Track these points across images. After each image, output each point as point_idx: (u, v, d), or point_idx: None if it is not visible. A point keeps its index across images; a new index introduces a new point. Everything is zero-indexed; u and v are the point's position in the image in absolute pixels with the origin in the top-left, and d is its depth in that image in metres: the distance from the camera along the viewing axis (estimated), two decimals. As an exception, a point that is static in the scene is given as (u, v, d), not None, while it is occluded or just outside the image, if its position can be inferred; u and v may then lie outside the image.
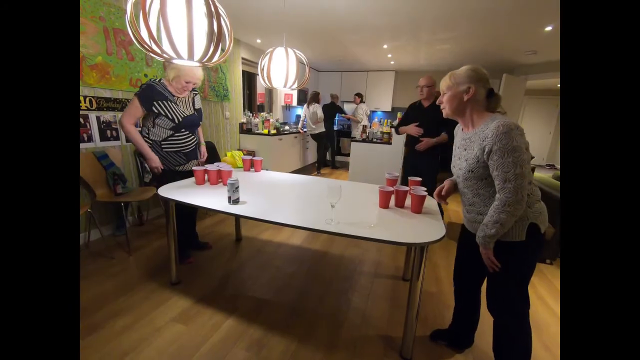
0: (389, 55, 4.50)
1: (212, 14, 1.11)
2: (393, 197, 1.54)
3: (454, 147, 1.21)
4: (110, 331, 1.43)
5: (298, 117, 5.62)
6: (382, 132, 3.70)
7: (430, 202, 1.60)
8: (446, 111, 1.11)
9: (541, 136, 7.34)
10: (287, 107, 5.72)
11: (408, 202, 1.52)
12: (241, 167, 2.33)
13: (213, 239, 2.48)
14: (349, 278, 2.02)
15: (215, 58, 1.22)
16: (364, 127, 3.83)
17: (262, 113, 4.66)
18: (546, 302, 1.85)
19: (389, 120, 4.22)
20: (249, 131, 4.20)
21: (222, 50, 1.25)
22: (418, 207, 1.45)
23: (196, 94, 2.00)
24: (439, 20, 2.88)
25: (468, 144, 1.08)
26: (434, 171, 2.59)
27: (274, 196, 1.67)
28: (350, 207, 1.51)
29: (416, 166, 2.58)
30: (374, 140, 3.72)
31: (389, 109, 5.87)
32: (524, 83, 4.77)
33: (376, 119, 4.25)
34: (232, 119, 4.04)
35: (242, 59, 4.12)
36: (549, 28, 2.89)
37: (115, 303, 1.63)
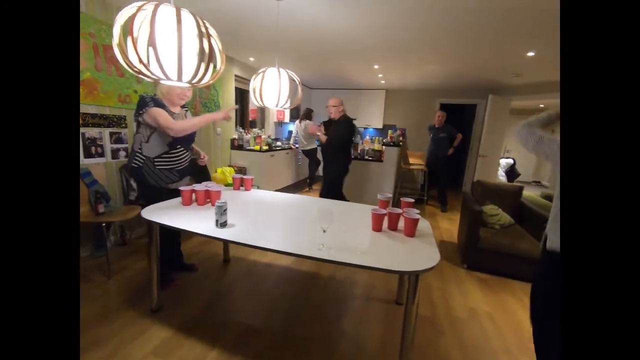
0: (380, 75, 4.61)
1: (203, 34, 1.11)
2: (386, 219, 1.52)
3: None
4: (82, 367, 1.31)
5: (290, 133, 5.63)
6: (374, 150, 3.73)
7: (424, 225, 1.57)
8: None
9: (526, 153, 7.55)
10: (280, 124, 5.74)
11: (401, 224, 1.50)
12: (232, 185, 2.28)
13: (200, 260, 2.38)
14: (339, 301, 1.95)
15: (206, 79, 1.20)
16: (356, 144, 3.86)
17: (254, 129, 4.65)
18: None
19: (379, 137, 4.27)
20: (240, 147, 4.17)
21: (215, 69, 1.24)
22: (411, 230, 1.42)
23: (187, 110, 1.97)
24: (425, 44, 2.98)
25: None
26: (335, 174, 3.09)
27: (263, 218, 1.62)
28: (342, 230, 1.47)
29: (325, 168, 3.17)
30: (366, 157, 3.74)
31: (380, 126, 5.97)
32: (509, 103, 4.95)
33: (367, 136, 4.30)
34: (223, 134, 4.00)
35: (235, 76, 4.15)
36: (531, 54, 3.03)
37: (91, 332, 1.51)
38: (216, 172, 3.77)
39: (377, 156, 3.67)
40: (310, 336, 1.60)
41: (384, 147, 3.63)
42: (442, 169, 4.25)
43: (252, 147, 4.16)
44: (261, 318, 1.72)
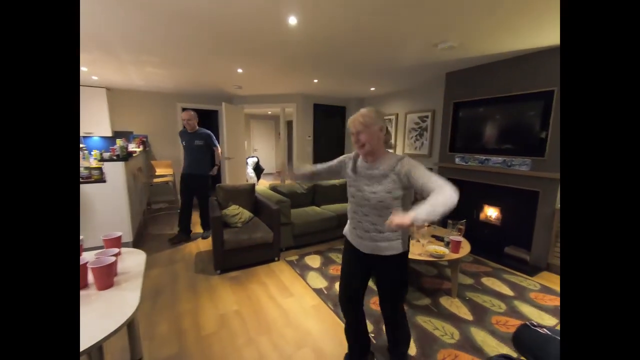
0: (85, 69, 3.53)
1: None
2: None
3: (354, 177, 1.27)
4: None
5: None
6: (90, 168, 2.80)
7: (135, 261, 1.31)
8: (367, 148, 1.17)
9: (268, 149, 9.34)
10: None
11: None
12: None
13: None
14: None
15: None
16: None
17: None
18: (276, 300, 2.20)
19: (101, 151, 3.27)
20: None
21: None
22: (105, 282, 1.11)
23: None
24: (132, 44, 2.57)
25: (377, 177, 1.19)
26: None
27: None
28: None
29: None
30: (79, 180, 2.74)
31: (108, 133, 4.72)
32: (242, 110, 5.69)
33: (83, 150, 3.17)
34: None
35: None
36: (240, 70, 3.53)
37: None
38: None
39: (97, 176, 2.80)
40: None
41: (103, 163, 2.82)
42: (201, 185, 3.37)
43: None
44: None
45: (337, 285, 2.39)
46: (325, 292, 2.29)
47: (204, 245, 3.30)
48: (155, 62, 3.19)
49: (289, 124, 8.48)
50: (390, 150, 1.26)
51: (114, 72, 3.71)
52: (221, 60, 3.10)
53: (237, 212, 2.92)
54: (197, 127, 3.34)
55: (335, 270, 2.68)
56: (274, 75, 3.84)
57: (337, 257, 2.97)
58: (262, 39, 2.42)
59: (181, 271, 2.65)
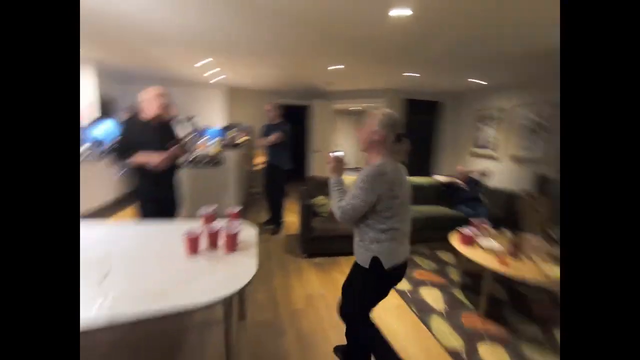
0: (215, 70, 4.29)
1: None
2: (206, 238, 1.37)
3: None
4: None
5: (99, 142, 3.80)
6: (209, 154, 3.43)
7: (249, 234, 1.55)
8: (360, 145, 1.21)
9: (350, 145, 9.46)
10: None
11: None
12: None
13: None
14: (172, 336, 1.65)
15: None
16: (186, 149, 3.41)
17: None
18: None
19: (219, 138, 3.98)
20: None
21: None
22: (232, 246, 1.35)
23: None
24: (251, 46, 2.99)
25: None
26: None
27: None
28: (145, 265, 1.20)
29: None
30: (202, 164, 3.39)
31: (224, 124, 5.66)
32: (331, 106, 5.92)
33: (204, 138, 3.92)
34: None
35: None
36: (333, 67, 3.67)
37: None
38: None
39: (216, 161, 3.41)
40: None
41: (222, 149, 3.41)
42: (279, 177, 3.31)
43: None
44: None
45: (421, 290, 2.27)
46: (410, 296, 2.20)
47: (293, 228, 3.60)
48: (266, 62, 3.62)
49: (374, 120, 8.25)
50: (388, 159, 1.16)
51: (234, 71, 4.38)
52: (321, 57, 3.28)
53: (325, 203, 3.08)
54: (279, 120, 3.23)
55: (419, 274, 2.54)
56: (367, 70, 3.83)
57: (422, 261, 2.81)
58: (366, 31, 2.39)
59: (273, 249, 2.98)
